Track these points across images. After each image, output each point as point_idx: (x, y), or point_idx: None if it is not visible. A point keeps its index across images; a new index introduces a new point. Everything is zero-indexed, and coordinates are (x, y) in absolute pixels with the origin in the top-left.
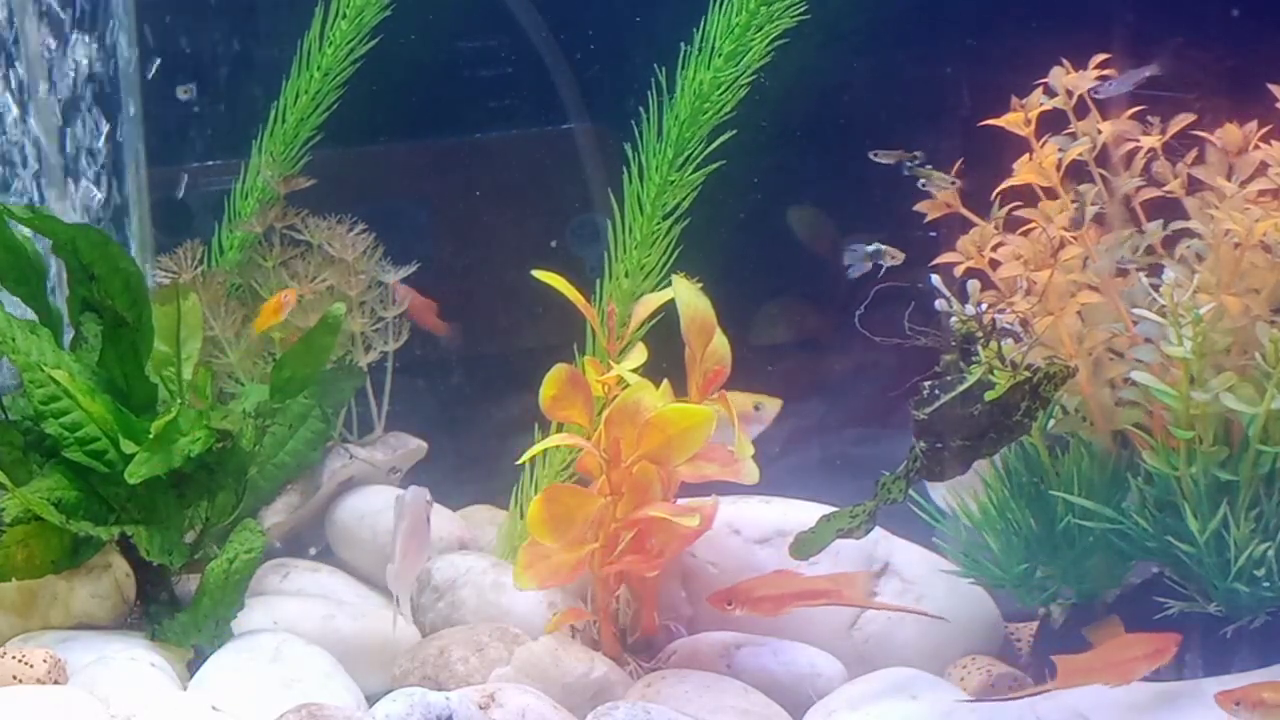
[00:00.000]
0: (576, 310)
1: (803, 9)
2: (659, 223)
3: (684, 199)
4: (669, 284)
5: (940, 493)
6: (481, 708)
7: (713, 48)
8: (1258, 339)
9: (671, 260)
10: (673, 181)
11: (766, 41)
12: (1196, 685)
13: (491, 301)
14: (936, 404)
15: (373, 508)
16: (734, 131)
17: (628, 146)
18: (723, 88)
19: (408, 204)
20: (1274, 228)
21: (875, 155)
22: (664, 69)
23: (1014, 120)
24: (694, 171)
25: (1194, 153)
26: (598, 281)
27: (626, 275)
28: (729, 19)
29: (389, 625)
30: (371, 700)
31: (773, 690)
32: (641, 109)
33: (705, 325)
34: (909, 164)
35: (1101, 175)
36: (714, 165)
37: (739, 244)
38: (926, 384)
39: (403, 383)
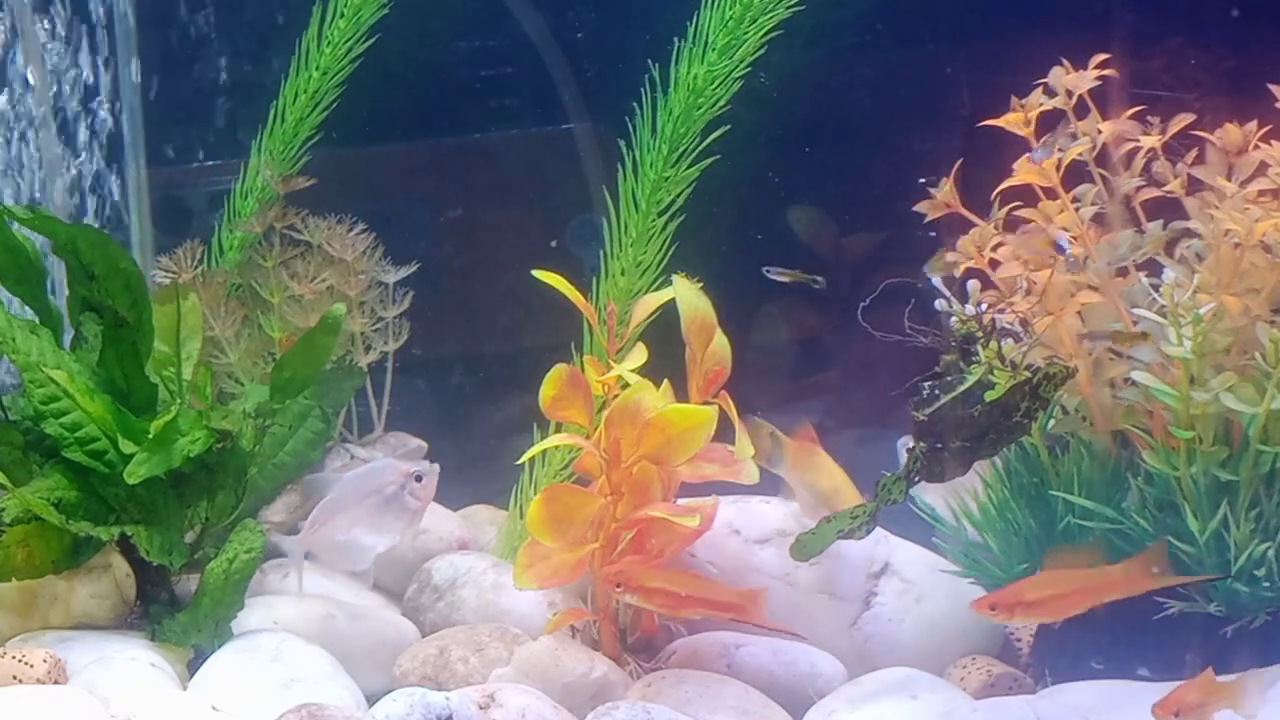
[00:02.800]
0: (576, 310)
1: (797, 1)
2: (654, 220)
3: (679, 195)
4: (666, 282)
5: (940, 494)
6: (481, 708)
7: (706, 41)
8: (1258, 339)
9: (668, 257)
10: (667, 177)
11: (761, 34)
12: None
13: (491, 301)
14: (936, 405)
15: None
16: (728, 127)
17: (622, 143)
18: (717, 82)
19: (407, 204)
20: (1274, 228)
21: (768, 272)
22: (658, 65)
23: (1014, 120)
24: (689, 167)
25: (1194, 153)
26: (594, 280)
27: (623, 273)
28: (723, 12)
29: (388, 625)
30: (371, 700)
31: (773, 690)
32: (636, 105)
33: (706, 325)
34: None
35: (1101, 175)
36: (709, 160)
37: (738, 243)
38: (926, 384)
39: (403, 383)
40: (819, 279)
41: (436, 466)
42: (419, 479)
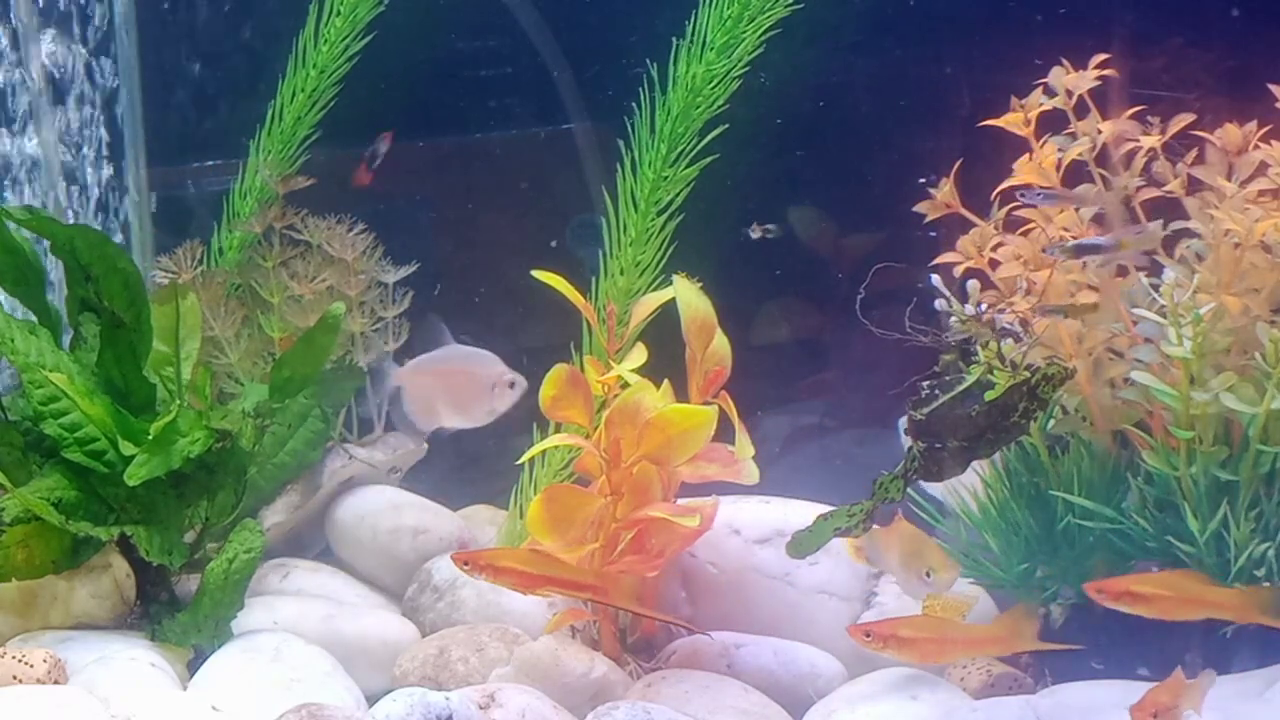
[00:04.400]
0: (576, 310)
1: (794, 1)
2: (653, 219)
3: (678, 194)
4: (665, 281)
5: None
6: (481, 708)
7: (704, 41)
8: (1258, 339)
9: (667, 257)
10: (666, 177)
11: (759, 33)
12: None
13: (491, 301)
14: (935, 404)
15: (373, 508)
16: (726, 126)
17: (621, 143)
18: (715, 81)
19: (407, 204)
20: (1274, 228)
21: (752, 231)
22: (657, 64)
23: (1014, 120)
24: (688, 166)
25: (1194, 153)
26: (593, 279)
27: (622, 273)
28: (721, 11)
29: (388, 626)
30: (371, 700)
31: (773, 690)
32: (635, 105)
33: (706, 325)
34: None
35: (1101, 175)
36: (708, 159)
37: (738, 242)
38: (925, 384)
39: None
40: (771, 227)
41: (524, 383)
42: (511, 385)
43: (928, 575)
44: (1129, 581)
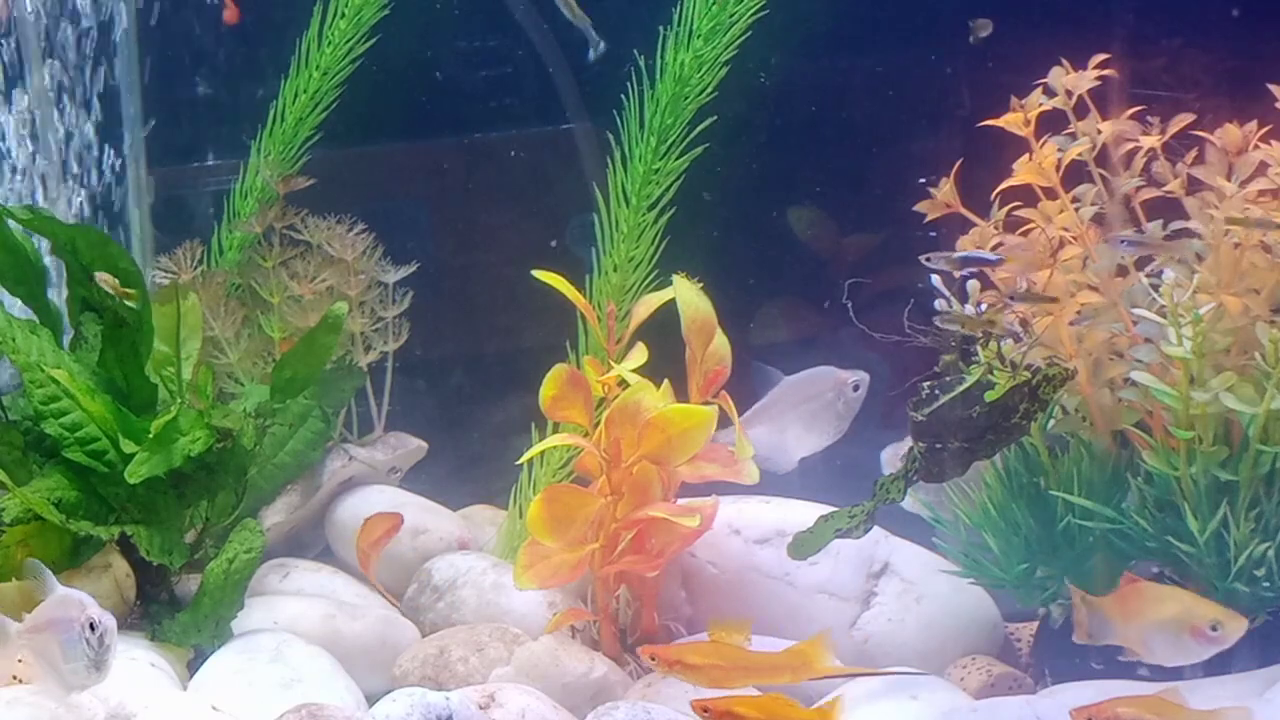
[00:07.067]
0: (573, 309)
1: None
2: (644, 214)
3: (668, 188)
4: (658, 277)
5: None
6: (481, 708)
7: (690, 28)
8: (1258, 339)
9: (659, 252)
10: (656, 170)
11: (751, 12)
12: (1195, 685)
13: (491, 301)
14: (935, 405)
15: (373, 507)
16: (714, 118)
17: (611, 138)
18: (703, 69)
19: (407, 204)
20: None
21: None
22: (645, 56)
23: (1014, 120)
24: (678, 158)
25: (1194, 153)
26: (587, 277)
27: (615, 269)
28: None
29: (388, 626)
30: (371, 700)
31: (772, 690)
32: (624, 98)
33: (706, 326)
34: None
35: (1101, 175)
36: (698, 149)
37: (737, 243)
38: (925, 385)
39: (403, 383)
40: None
41: (867, 376)
42: (855, 388)
43: (1214, 630)
44: (682, 651)
